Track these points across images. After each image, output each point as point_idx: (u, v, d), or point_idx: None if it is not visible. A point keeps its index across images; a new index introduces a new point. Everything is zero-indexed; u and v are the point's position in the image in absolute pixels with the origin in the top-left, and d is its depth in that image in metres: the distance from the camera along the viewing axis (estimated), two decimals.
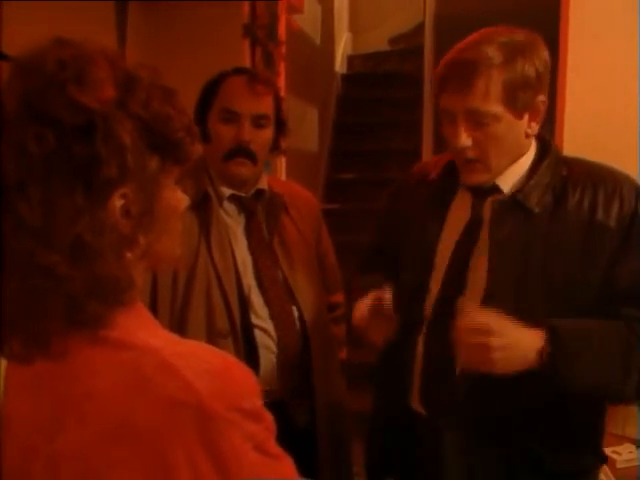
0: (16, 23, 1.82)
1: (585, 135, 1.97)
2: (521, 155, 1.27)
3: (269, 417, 0.71)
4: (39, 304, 0.64)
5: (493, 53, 1.17)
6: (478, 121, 1.19)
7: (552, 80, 2.00)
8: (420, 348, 1.31)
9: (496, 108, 1.18)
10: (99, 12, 2.20)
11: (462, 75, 1.18)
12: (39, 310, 0.65)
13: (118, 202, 0.67)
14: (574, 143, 1.97)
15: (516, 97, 1.18)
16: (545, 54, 1.22)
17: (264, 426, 0.69)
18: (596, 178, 1.23)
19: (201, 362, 0.67)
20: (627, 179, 1.25)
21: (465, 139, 1.21)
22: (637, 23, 1.90)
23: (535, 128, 1.24)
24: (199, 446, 0.63)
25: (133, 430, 0.64)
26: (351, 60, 5.67)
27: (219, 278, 1.47)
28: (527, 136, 1.24)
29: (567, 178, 1.24)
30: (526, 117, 1.22)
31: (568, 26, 1.98)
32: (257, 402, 0.69)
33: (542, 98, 1.22)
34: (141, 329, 0.70)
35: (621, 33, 1.93)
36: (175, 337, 0.73)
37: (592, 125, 1.97)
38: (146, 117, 0.68)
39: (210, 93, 1.55)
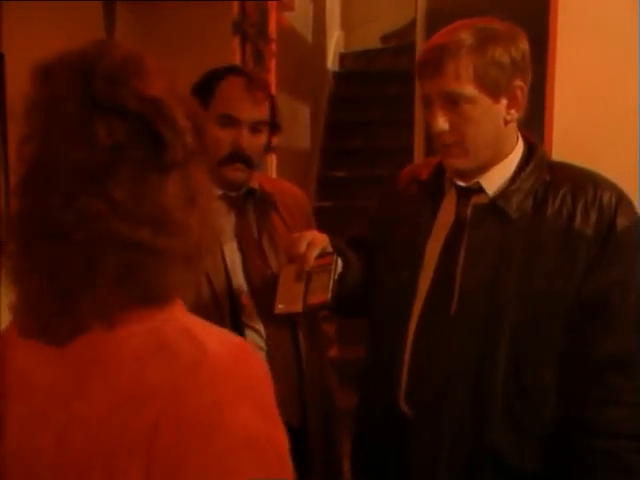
0: (8, 23, 1.82)
1: (575, 137, 1.97)
2: (506, 153, 1.27)
3: (274, 416, 0.71)
4: (127, 279, 0.69)
5: (465, 36, 1.19)
6: (453, 103, 1.20)
7: (541, 81, 2.02)
8: (408, 348, 1.30)
9: (469, 89, 1.18)
10: (87, 12, 2.20)
11: (435, 59, 1.20)
12: (126, 285, 0.69)
13: (180, 182, 0.73)
14: (564, 145, 1.97)
15: (489, 79, 1.18)
16: (523, 45, 1.23)
17: (266, 418, 0.70)
18: (577, 185, 1.22)
19: (220, 334, 0.72)
20: (609, 187, 1.23)
21: (442, 123, 1.22)
22: (630, 23, 1.91)
23: (514, 115, 1.24)
24: (196, 410, 0.65)
25: (143, 390, 0.66)
26: (343, 58, 5.68)
27: (208, 277, 1.47)
28: (506, 123, 1.24)
29: (549, 184, 1.24)
30: (504, 102, 1.22)
31: (557, 25, 1.98)
32: (262, 390, 0.71)
33: (519, 83, 1.22)
34: (176, 309, 0.75)
35: (612, 32, 1.92)
36: (202, 320, 0.76)
37: (582, 127, 1.97)
38: (188, 104, 0.75)
39: (205, 94, 1.52)
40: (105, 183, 0.68)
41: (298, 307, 1.32)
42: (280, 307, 1.35)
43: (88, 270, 0.69)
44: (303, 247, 1.30)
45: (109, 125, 0.68)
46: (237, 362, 0.70)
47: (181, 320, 0.72)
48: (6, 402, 0.76)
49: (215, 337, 0.71)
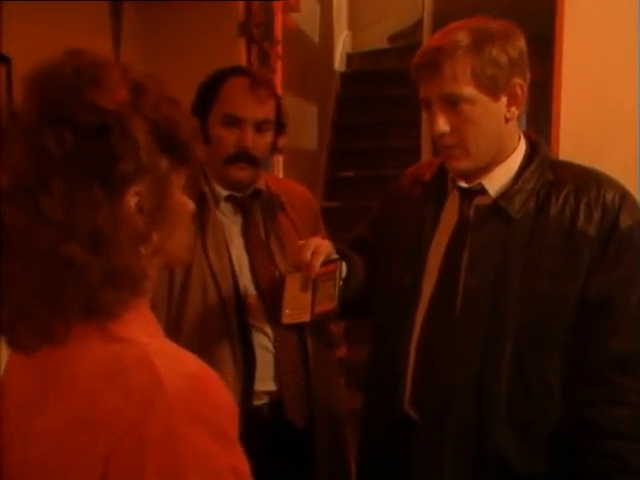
0: (14, 24, 1.82)
1: (582, 134, 1.96)
2: (508, 152, 1.26)
3: (236, 446, 0.69)
4: (57, 293, 0.68)
5: (461, 37, 1.18)
6: (452, 105, 1.20)
7: (548, 78, 2.01)
8: (412, 350, 1.30)
9: (467, 90, 1.18)
10: (94, 12, 2.20)
11: (432, 61, 1.20)
12: (56, 299, 0.68)
13: (133, 198, 0.71)
14: (570, 142, 1.96)
15: (487, 78, 1.18)
16: (521, 43, 1.22)
17: (228, 448, 0.68)
18: (580, 184, 1.22)
19: (180, 365, 0.69)
20: (612, 186, 1.22)
21: (443, 125, 1.21)
22: (635, 21, 1.89)
23: (515, 113, 1.23)
24: (152, 444, 0.63)
25: (98, 415, 0.65)
26: (350, 58, 5.67)
27: (215, 278, 1.47)
28: (507, 121, 1.23)
29: (552, 183, 1.23)
30: (504, 100, 1.21)
31: (563, 23, 1.97)
32: (224, 422, 0.69)
33: (518, 81, 1.21)
34: (138, 326, 0.72)
35: (619, 30, 1.91)
36: (168, 341, 0.74)
37: (589, 124, 1.96)
38: (156, 119, 0.72)
39: (210, 94, 1.53)
40: (40, 193, 0.66)
41: (306, 317, 1.31)
42: (288, 318, 1.34)
43: (20, 283, 0.68)
44: (308, 255, 1.28)
45: (58, 136, 0.66)
46: (195, 393, 0.67)
47: (141, 345, 0.70)
48: None
49: (174, 366, 0.68)
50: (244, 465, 0.69)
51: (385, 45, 5.65)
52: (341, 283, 1.30)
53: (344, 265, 1.34)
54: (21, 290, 0.69)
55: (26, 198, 0.67)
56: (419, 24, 4.24)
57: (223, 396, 0.70)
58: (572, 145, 1.94)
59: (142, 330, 0.72)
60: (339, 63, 5.47)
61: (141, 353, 0.68)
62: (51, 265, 0.67)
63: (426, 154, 3.71)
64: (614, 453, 1.15)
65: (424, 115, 3.44)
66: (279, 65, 2.85)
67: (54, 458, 0.67)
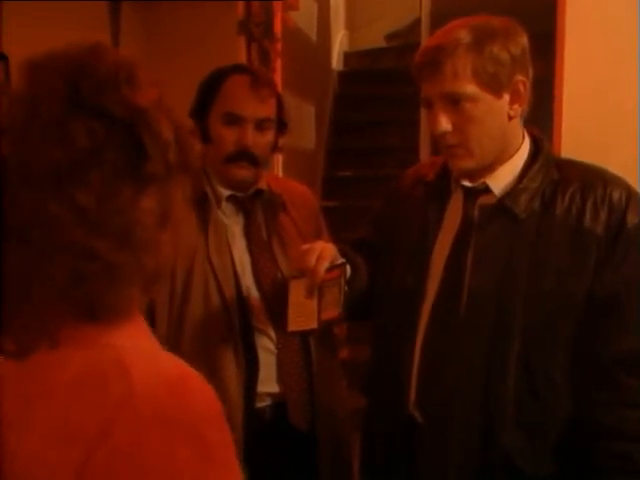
0: (13, 24, 1.81)
1: (584, 131, 1.96)
2: (512, 151, 1.25)
3: (218, 451, 0.65)
4: (73, 290, 0.65)
5: (462, 35, 1.18)
6: (454, 103, 1.19)
7: (549, 76, 2.00)
8: (417, 352, 1.28)
9: (469, 88, 1.17)
10: (93, 11, 2.19)
11: (432, 60, 1.19)
12: (71, 296, 0.66)
13: (150, 199, 0.70)
14: (572, 140, 1.96)
15: (488, 76, 1.17)
16: (522, 40, 1.21)
17: (204, 454, 0.63)
18: (586, 183, 1.21)
19: (157, 367, 0.66)
20: (618, 185, 1.21)
21: (445, 124, 1.20)
22: (636, 19, 1.89)
23: (518, 110, 1.22)
24: (121, 454, 0.60)
25: (73, 427, 0.62)
26: (347, 57, 5.65)
27: (217, 279, 1.46)
28: (510, 118, 1.22)
29: (558, 182, 1.22)
30: (506, 97, 1.20)
31: (565, 23, 1.97)
32: (203, 427, 0.64)
33: (520, 78, 1.20)
34: (127, 331, 0.70)
35: (620, 27, 1.91)
36: (155, 345, 0.72)
37: (591, 121, 1.96)
38: (174, 119, 0.72)
39: (210, 93, 1.52)
40: (73, 186, 0.65)
41: (313, 324, 1.30)
42: (294, 325, 1.33)
43: (33, 277, 0.65)
44: (312, 261, 1.26)
45: (89, 127, 0.65)
46: (169, 396, 0.63)
47: (119, 348, 0.66)
48: None
49: (150, 369, 0.65)
50: (232, 475, 0.64)
51: (382, 44, 5.64)
52: (346, 288, 1.29)
53: (348, 268, 1.33)
54: (31, 285, 0.66)
55: (59, 188, 0.65)
56: (416, 23, 4.23)
57: (207, 402, 0.66)
58: (573, 143, 1.94)
59: (128, 333, 0.70)
60: (337, 62, 5.46)
61: (116, 355, 0.65)
62: (75, 259, 0.65)
63: (425, 153, 3.70)
64: (622, 454, 1.14)
65: (423, 114, 3.44)
66: (279, 64, 2.84)
67: (35, 477, 0.64)
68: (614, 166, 1.27)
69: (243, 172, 1.50)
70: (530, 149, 1.27)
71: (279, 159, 2.94)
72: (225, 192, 1.53)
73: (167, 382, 0.64)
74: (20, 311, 0.67)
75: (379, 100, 4.92)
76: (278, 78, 2.85)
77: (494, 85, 1.18)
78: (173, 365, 0.67)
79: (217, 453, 0.64)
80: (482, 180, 1.26)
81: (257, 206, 1.57)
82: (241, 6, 2.58)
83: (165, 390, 0.63)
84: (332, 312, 1.27)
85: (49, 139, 0.65)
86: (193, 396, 0.65)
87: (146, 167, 0.67)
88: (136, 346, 0.68)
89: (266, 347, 1.48)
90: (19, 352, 0.68)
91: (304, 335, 1.51)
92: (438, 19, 3.79)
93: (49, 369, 0.67)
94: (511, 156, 1.26)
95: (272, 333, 1.49)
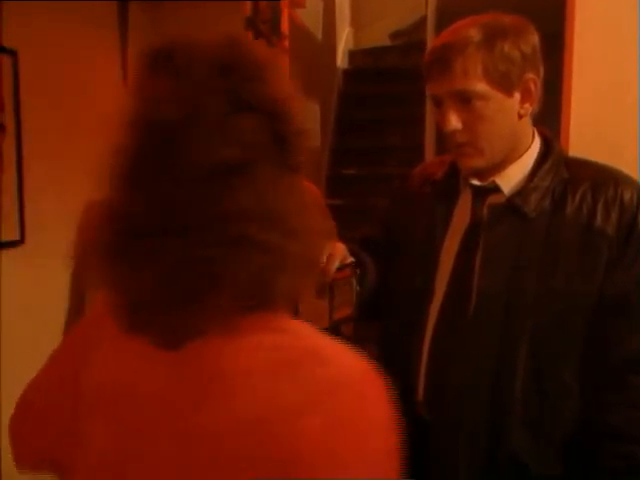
0: (24, 22, 1.82)
1: (592, 131, 1.96)
2: (522, 150, 1.25)
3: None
4: (236, 282, 0.66)
5: (472, 33, 1.17)
6: (464, 102, 1.18)
7: (558, 75, 2.00)
8: (425, 352, 1.28)
9: (480, 86, 1.16)
10: (101, 11, 2.20)
11: (442, 58, 1.18)
12: (238, 288, 0.66)
13: (299, 186, 0.73)
14: (580, 139, 1.95)
15: (499, 74, 1.16)
16: (533, 38, 1.20)
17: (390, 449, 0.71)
18: (597, 182, 1.20)
19: (348, 355, 0.69)
20: (630, 185, 1.21)
21: (455, 122, 1.19)
22: None
23: (528, 109, 1.21)
24: (342, 428, 0.65)
25: (280, 412, 0.64)
26: (352, 55, 5.66)
27: None
28: (521, 117, 1.21)
29: (568, 181, 1.22)
30: (517, 96, 1.19)
31: (574, 23, 1.96)
32: (390, 422, 0.72)
33: (531, 76, 1.19)
34: (286, 316, 0.72)
35: (629, 26, 1.91)
36: (323, 333, 0.75)
37: (599, 121, 1.96)
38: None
39: None
40: (240, 182, 0.66)
41: (324, 323, 1.28)
42: None
43: (213, 272, 0.66)
44: (323, 260, 1.26)
45: (250, 123, 0.67)
46: (371, 389, 0.69)
47: (304, 337, 0.70)
48: (97, 403, 0.74)
49: (346, 359, 0.69)
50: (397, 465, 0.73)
51: (387, 42, 5.64)
52: (358, 287, 1.28)
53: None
54: (204, 280, 0.66)
55: (229, 184, 0.66)
56: (421, 22, 4.22)
57: (386, 392, 0.72)
58: (582, 143, 1.93)
59: (289, 319, 0.72)
60: (341, 60, 5.46)
61: (309, 344, 0.69)
62: (251, 253, 0.66)
63: (429, 152, 3.69)
64: (627, 455, 1.14)
65: (429, 112, 3.44)
66: (286, 61, 2.84)
67: (224, 459, 0.65)
68: (623, 166, 1.27)
69: None
70: (540, 149, 1.27)
71: None
72: None
73: (362, 369, 0.69)
74: (201, 300, 0.67)
75: (384, 98, 4.92)
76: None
77: (505, 83, 1.17)
78: (357, 356, 0.71)
79: (395, 446, 0.72)
80: (491, 179, 1.25)
81: None
82: (248, 4, 2.58)
83: (361, 377, 0.68)
84: (344, 312, 1.26)
85: (217, 137, 0.66)
86: (383, 388, 0.71)
87: (293, 157, 0.70)
88: (315, 334, 0.71)
89: None
90: (175, 341, 0.69)
91: None
92: (444, 18, 3.78)
93: (230, 356, 0.68)
94: (521, 155, 1.25)
95: None
